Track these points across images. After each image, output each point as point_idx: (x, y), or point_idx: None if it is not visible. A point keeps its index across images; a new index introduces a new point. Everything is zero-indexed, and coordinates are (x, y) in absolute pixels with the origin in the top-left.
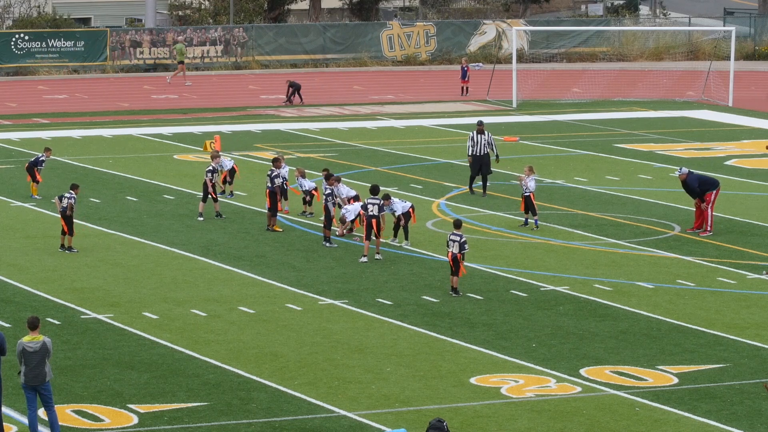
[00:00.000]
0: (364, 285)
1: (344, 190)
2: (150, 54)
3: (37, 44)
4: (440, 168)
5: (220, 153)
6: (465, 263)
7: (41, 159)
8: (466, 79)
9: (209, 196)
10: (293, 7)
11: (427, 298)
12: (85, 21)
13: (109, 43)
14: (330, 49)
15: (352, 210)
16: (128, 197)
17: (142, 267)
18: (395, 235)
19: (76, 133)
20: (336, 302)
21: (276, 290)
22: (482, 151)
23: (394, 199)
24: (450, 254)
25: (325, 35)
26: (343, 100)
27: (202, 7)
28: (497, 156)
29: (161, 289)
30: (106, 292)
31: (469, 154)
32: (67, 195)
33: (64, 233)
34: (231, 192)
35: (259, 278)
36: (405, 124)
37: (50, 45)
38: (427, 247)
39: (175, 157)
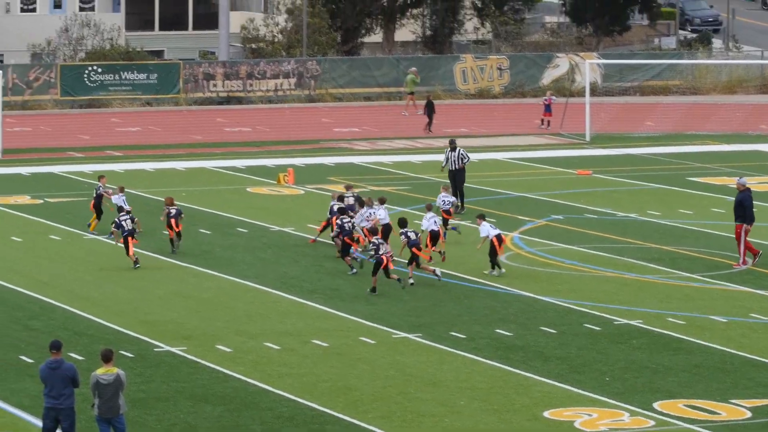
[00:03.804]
0: (438, 318)
1: (382, 213)
2: (223, 87)
3: (110, 76)
4: (514, 201)
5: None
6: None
7: (102, 191)
8: (549, 112)
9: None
10: (366, 40)
11: (501, 331)
12: (158, 54)
13: (182, 76)
14: (403, 82)
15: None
16: (201, 230)
17: (215, 300)
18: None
19: (150, 165)
20: (409, 336)
21: (349, 323)
22: (455, 166)
23: (484, 223)
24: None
25: (399, 68)
26: (416, 134)
27: (276, 39)
28: (463, 163)
29: (234, 322)
30: (180, 324)
31: (443, 165)
32: (123, 217)
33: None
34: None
35: (333, 311)
36: (478, 157)
37: (123, 77)
38: (500, 280)
39: (248, 189)
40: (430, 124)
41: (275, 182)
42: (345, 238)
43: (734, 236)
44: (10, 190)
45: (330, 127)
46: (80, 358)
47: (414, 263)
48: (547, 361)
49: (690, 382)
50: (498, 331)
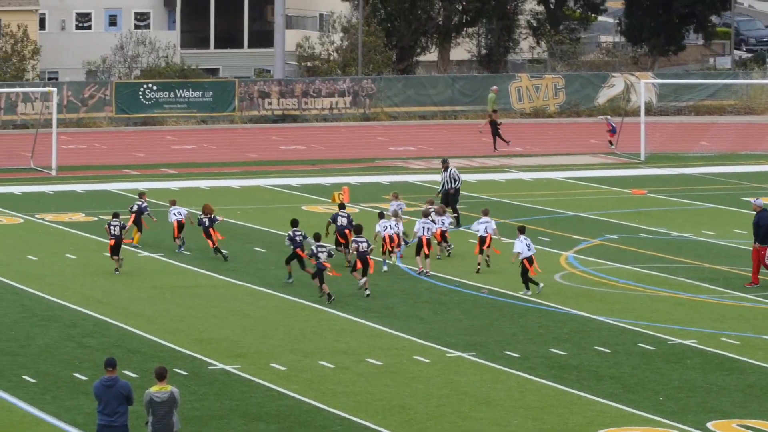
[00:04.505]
0: (492, 337)
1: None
2: (278, 105)
3: (165, 94)
4: (568, 220)
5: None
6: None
7: (144, 205)
8: (615, 132)
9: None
10: (422, 58)
11: (555, 350)
12: (213, 71)
13: (237, 94)
14: (458, 101)
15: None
16: (256, 248)
17: (269, 318)
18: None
19: (204, 183)
20: (464, 354)
21: (404, 342)
22: (447, 187)
23: (521, 238)
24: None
25: (454, 87)
26: (471, 152)
27: (331, 58)
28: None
29: (289, 340)
30: (234, 343)
31: (439, 190)
32: (114, 223)
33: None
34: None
35: (387, 330)
36: (533, 176)
37: (178, 95)
38: (555, 299)
39: (303, 208)
40: (503, 140)
41: (330, 200)
42: (296, 249)
43: None
44: (64, 207)
45: (385, 145)
46: (134, 375)
47: (357, 271)
48: (601, 380)
49: (744, 402)
50: (552, 350)
